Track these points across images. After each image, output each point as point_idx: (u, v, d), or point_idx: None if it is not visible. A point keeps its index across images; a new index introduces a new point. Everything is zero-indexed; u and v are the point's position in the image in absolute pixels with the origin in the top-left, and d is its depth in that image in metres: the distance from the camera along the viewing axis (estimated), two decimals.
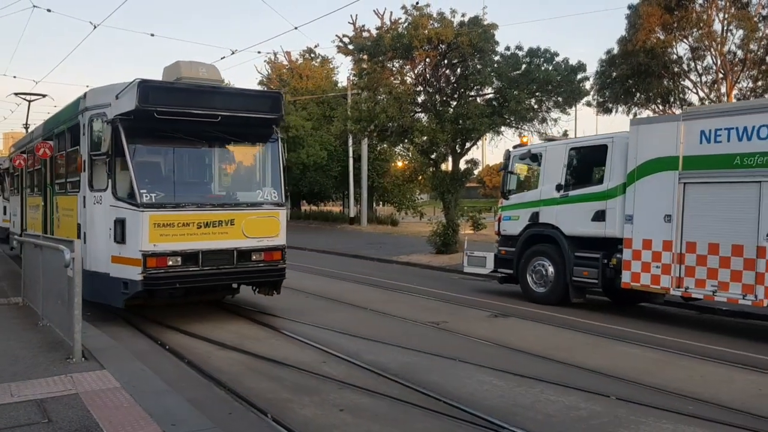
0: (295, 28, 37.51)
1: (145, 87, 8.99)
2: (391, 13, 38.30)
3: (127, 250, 9.09)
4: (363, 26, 34.42)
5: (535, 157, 12.51)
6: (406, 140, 25.86)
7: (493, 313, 10.93)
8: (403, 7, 24.53)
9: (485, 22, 24.09)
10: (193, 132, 9.74)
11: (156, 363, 7.17)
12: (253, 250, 9.74)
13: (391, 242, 25.78)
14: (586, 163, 11.93)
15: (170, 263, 9.08)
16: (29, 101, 18.36)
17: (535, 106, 25.32)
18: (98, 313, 10.36)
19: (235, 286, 10.68)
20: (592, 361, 7.70)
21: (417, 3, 24.27)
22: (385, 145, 36.53)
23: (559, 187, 11.81)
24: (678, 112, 23.38)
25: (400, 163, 42.77)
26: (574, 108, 26.87)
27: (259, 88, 48.78)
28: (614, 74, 25.39)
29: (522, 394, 6.37)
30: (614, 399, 6.24)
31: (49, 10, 20.03)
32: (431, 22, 23.65)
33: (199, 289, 9.95)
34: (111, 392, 5.43)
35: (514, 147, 13.48)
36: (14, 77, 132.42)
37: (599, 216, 11.04)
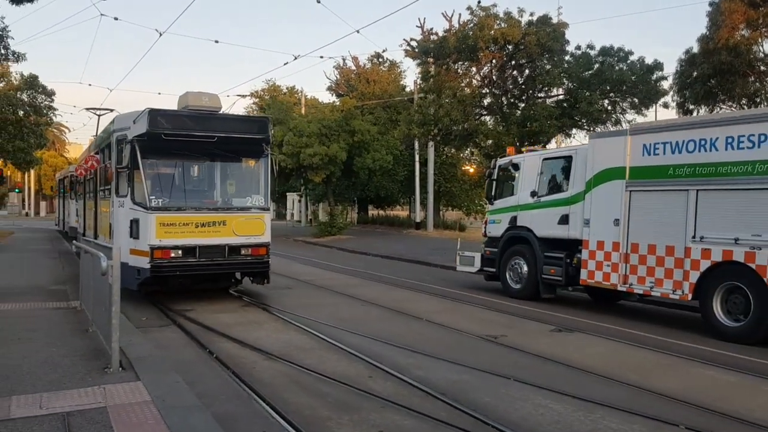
0: (357, 31, 37.45)
1: (154, 114, 11.25)
2: (460, 15, 37.81)
3: (139, 244, 11.34)
4: (431, 29, 34.01)
5: (516, 166, 13.83)
6: (470, 144, 25.31)
7: (557, 327, 10.29)
8: (469, 8, 24.01)
9: (554, 21, 23.29)
10: (194, 150, 11.90)
11: (198, 373, 7.03)
12: (241, 245, 11.91)
13: (456, 248, 25.17)
14: (556, 172, 13.01)
15: (173, 255, 11.33)
16: (99, 115, 19.61)
17: (609, 108, 24.38)
18: (155, 319, 10.43)
19: (238, 276, 13.09)
20: (663, 384, 7.02)
21: (479, 2, 23.64)
22: (452, 150, 36.04)
23: (533, 194, 13.07)
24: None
25: (471, 169, 42.13)
26: (652, 109, 25.70)
27: (328, 93, 49.35)
28: (695, 74, 24.00)
29: (580, 419, 5.80)
30: (683, 429, 5.60)
31: (116, 18, 20.72)
32: (497, 22, 23.04)
33: (199, 276, 12.19)
34: (139, 407, 5.23)
35: (500, 157, 15.02)
36: (89, 85, 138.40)
37: (564, 220, 12.32)
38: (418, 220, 37.03)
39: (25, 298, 11.29)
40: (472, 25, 24.06)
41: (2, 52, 18.01)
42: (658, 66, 23.04)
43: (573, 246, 12.07)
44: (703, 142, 9.84)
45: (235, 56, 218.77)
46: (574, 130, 24.09)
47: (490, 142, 24.01)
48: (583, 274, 11.67)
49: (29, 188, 72.74)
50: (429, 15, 57.45)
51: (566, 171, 12.55)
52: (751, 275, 9.14)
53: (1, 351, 7.22)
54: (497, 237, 14.04)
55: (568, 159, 12.53)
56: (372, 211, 49.38)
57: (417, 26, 37.57)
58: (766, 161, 9.01)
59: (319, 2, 20.30)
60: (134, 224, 11.43)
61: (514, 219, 13.57)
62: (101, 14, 41.37)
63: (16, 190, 68.72)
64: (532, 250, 12.99)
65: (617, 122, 23.36)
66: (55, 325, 8.85)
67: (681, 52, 25.06)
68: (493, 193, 14.46)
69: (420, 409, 5.95)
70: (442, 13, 48.23)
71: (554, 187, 12.89)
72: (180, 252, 11.35)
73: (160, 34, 23.64)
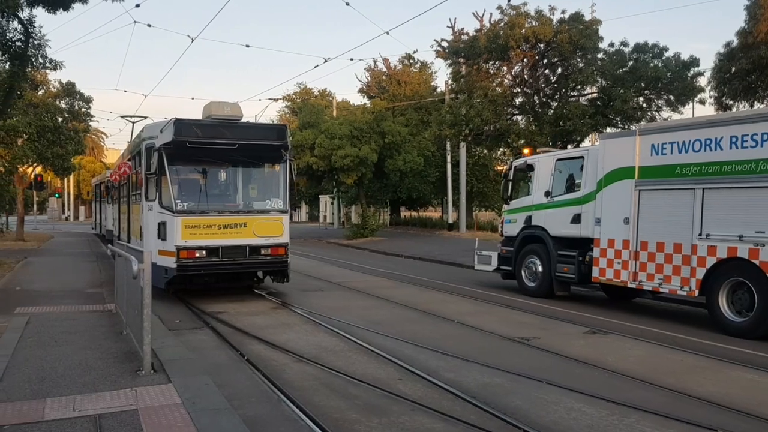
0: (386, 32, 37.26)
1: (179, 124, 12.02)
2: (491, 14, 37.52)
3: (166, 245, 12.02)
4: (462, 29, 33.79)
5: (531, 167, 14.22)
6: (502, 144, 25.10)
7: (590, 329, 10.10)
8: (499, 7, 23.80)
9: (587, 19, 22.96)
10: (217, 156, 12.62)
11: (229, 376, 7.06)
12: (261, 246, 12.53)
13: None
14: (569, 172, 13.28)
15: (197, 255, 12.01)
16: (133, 122, 20.25)
17: (644, 105, 23.93)
18: (187, 322, 10.53)
19: (260, 275, 13.76)
20: (700, 387, 6.84)
21: (509, 1, 23.42)
22: (484, 150, 35.78)
23: (547, 194, 13.42)
24: None
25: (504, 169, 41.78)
26: (689, 106, 25.16)
27: (359, 95, 49.47)
28: (733, 69, 23.38)
29: (614, 424, 5.67)
30: None
31: (149, 25, 21.13)
32: (528, 20, 22.80)
33: (222, 275, 12.86)
34: (169, 409, 5.27)
35: (515, 158, 15.55)
36: (125, 91, 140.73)
37: (576, 219, 12.64)
38: (450, 221, 36.83)
39: (62, 301, 11.53)
40: (503, 24, 23.84)
41: (41, 60, 18.33)
42: (694, 62, 22.53)
43: (585, 244, 12.36)
44: (708, 142, 10.07)
45: (266, 60, 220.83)
46: (608, 129, 23.68)
47: (522, 141, 23.75)
48: (595, 272, 11.98)
49: (68, 193, 74.49)
50: (460, 15, 57.34)
51: (578, 171, 12.87)
52: (754, 271, 9.34)
53: (38, 353, 7.36)
54: (513, 236, 14.42)
55: (581, 159, 12.85)
56: (404, 213, 49.29)
57: (448, 26, 37.43)
58: None
59: (348, 5, 20.33)
60: (162, 226, 12.13)
61: (529, 218, 13.94)
62: (135, 21, 42.26)
63: (56, 195, 70.37)
64: (546, 249, 13.33)
65: (652, 120, 22.90)
66: (90, 327, 9.01)
67: (718, 47, 24.51)
68: (509, 194, 14.88)
69: (450, 412, 5.88)
70: (473, 13, 48.00)
71: (567, 187, 13.18)
72: (204, 252, 12.05)
73: (192, 40, 24.08)
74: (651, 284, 10.93)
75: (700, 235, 10.07)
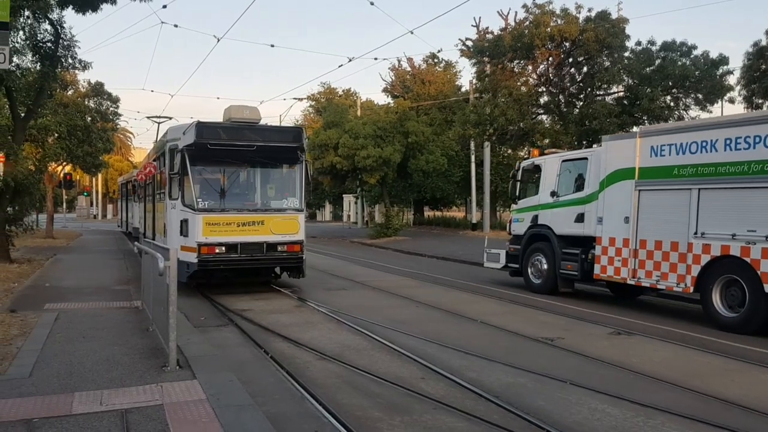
0: (411, 32, 37.47)
1: (200, 127, 12.67)
2: (516, 13, 37.28)
3: (188, 241, 12.57)
4: (487, 28, 33.64)
5: (538, 168, 14.63)
6: (527, 143, 24.94)
7: (615, 330, 10.00)
8: (524, 6, 23.64)
9: (614, 17, 22.71)
10: (236, 157, 13.18)
11: (253, 373, 7.12)
12: (278, 243, 13.06)
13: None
14: (573, 173, 13.65)
15: (217, 251, 12.55)
16: (158, 123, 20.68)
17: (671, 104, 23.62)
18: (213, 319, 10.64)
19: (278, 270, 14.43)
20: (728, 390, 6.73)
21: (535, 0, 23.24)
22: (509, 150, 35.58)
23: (553, 194, 13.86)
24: None
25: None
26: (718, 105, 24.78)
27: (383, 95, 49.44)
28: (763, 67, 22.99)
29: (638, 425, 5.61)
30: None
31: (176, 26, 21.46)
32: (554, 19, 22.61)
33: (241, 270, 13.38)
34: (194, 405, 5.33)
35: (523, 159, 16.01)
36: (152, 91, 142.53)
37: (580, 218, 13.04)
38: (474, 221, 36.70)
39: (90, 297, 11.72)
40: (528, 22, 23.68)
41: (70, 61, 18.67)
42: (723, 60, 22.18)
43: (588, 243, 12.76)
44: (704, 144, 10.49)
45: (291, 60, 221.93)
46: (634, 128, 23.41)
47: (547, 141, 23.59)
48: (597, 270, 12.42)
49: (96, 191, 75.64)
50: (484, 14, 57.09)
51: (583, 172, 13.25)
52: (746, 269, 9.74)
53: (67, 348, 7.50)
54: (520, 235, 14.92)
55: (585, 161, 13.27)
56: (428, 213, 49.24)
57: (472, 25, 37.36)
58: (759, 161, 9.60)
59: (372, 4, 20.37)
60: (184, 224, 12.72)
61: (535, 218, 14.42)
62: (162, 22, 42.87)
63: (85, 194, 71.52)
64: (551, 247, 13.78)
65: (680, 119, 22.61)
66: (117, 324, 9.14)
67: (747, 46, 24.09)
68: (517, 193, 15.30)
69: (473, 411, 5.87)
70: (498, 12, 47.74)
71: (571, 187, 13.59)
72: (224, 248, 12.60)
73: (218, 40, 24.33)
74: (649, 281, 11.39)
75: (696, 233, 10.48)
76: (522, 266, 14.73)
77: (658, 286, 11.39)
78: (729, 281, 10.17)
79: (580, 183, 13.31)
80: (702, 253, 10.39)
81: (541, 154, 15.29)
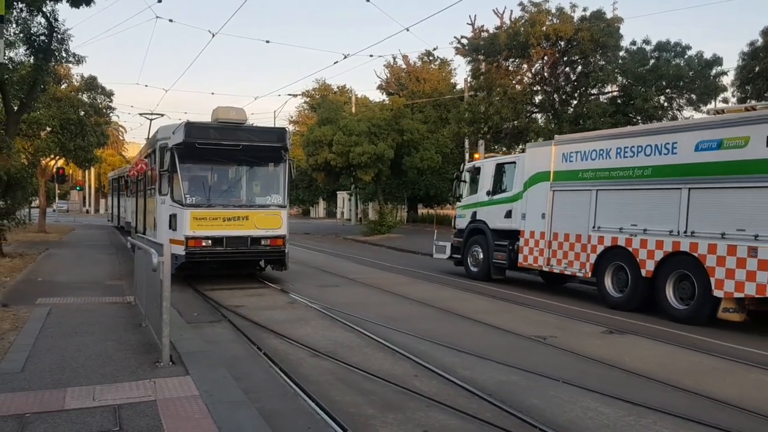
0: (406, 29, 37.28)
1: (189, 126, 13.39)
2: (511, 12, 37.24)
3: (177, 234, 13.19)
4: (482, 26, 33.64)
5: (478, 170, 16.54)
6: (521, 142, 24.98)
7: (608, 329, 10.05)
8: (520, 4, 23.66)
9: (608, 16, 22.75)
10: (223, 156, 13.84)
11: (246, 369, 7.10)
12: (261, 237, 13.72)
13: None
14: (505, 175, 15.53)
15: (204, 244, 13.26)
16: (150, 119, 20.80)
17: (665, 104, 23.68)
18: (206, 315, 10.61)
19: (262, 263, 15.10)
20: (719, 389, 6.77)
21: None
22: (503, 148, 35.64)
23: (488, 193, 15.79)
24: None
25: None
26: (712, 105, 24.84)
27: (378, 92, 49.44)
28: (757, 68, 23.08)
29: (630, 424, 5.64)
30: None
31: (171, 21, 21.30)
32: (549, 17, 22.64)
33: (226, 263, 14.10)
34: (187, 401, 5.33)
35: (468, 162, 17.94)
36: (146, 86, 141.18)
37: (509, 214, 14.96)
38: None
39: (83, 292, 11.67)
40: (523, 21, 23.71)
41: (64, 54, 18.58)
42: (717, 61, 22.27)
43: (515, 236, 14.64)
44: (601, 152, 12.41)
45: (286, 56, 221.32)
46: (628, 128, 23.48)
47: (541, 140, 23.62)
48: (520, 259, 14.43)
49: (89, 186, 75.29)
50: (480, 12, 57.14)
51: (512, 174, 15.10)
52: (629, 256, 11.69)
53: (60, 344, 7.46)
54: (463, 229, 16.83)
55: (513, 164, 15.18)
56: (422, 210, 49.25)
57: (468, 23, 37.23)
58: (641, 167, 11.50)
59: (368, 1, 20.35)
60: (173, 218, 13.42)
61: (474, 214, 16.36)
62: (157, 17, 42.54)
63: (77, 188, 71.21)
64: (486, 240, 15.77)
65: (674, 119, 22.68)
66: (110, 319, 9.11)
67: (742, 46, 24.17)
68: (460, 192, 17.27)
69: (466, 409, 5.88)
70: (493, 10, 47.63)
71: (503, 187, 15.48)
72: (210, 242, 13.33)
73: (213, 35, 24.47)
74: (559, 268, 13.34)
75: (594, 227, 12.43)
76: (463, 256, 16.68)
77: (566, 272, 13.29)
78: (617, 267, 12.07)
79: (509, 184, 15.16)
80: (597, 243, 12.32)
81: (483, 157, 17.27)
